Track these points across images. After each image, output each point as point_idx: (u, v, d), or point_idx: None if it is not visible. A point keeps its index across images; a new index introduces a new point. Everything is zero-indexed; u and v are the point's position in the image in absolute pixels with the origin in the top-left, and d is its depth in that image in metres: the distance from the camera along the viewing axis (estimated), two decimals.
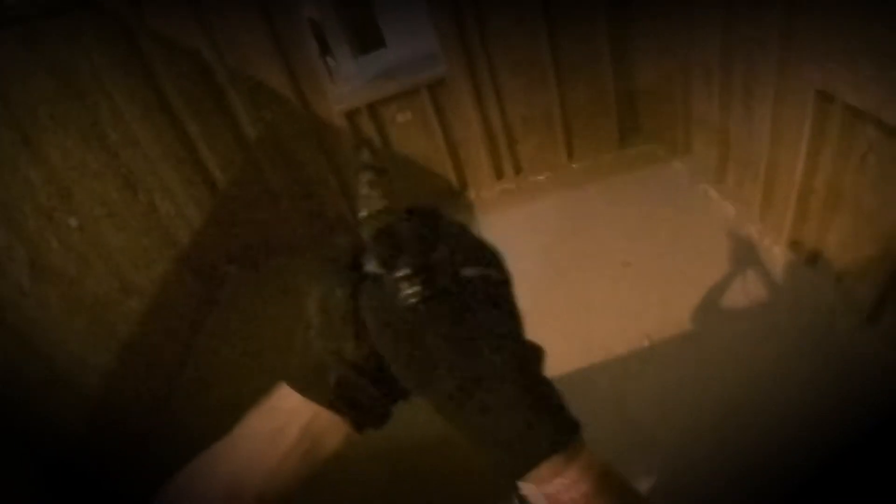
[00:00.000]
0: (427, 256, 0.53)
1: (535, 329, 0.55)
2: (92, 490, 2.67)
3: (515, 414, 0.51)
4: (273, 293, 4.39)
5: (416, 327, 0.51)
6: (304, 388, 0.58)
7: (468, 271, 0.54)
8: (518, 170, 4.90)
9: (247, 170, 4.56)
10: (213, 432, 0.64)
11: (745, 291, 3.11)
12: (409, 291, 0.51)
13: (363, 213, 0.58)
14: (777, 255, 3.20)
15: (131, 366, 3.30)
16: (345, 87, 4.78)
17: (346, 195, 4.78)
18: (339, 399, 0.57)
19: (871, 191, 2.46)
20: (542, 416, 0.51)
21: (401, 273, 0.51)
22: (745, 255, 3.32)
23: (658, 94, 4.34)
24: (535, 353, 0.56)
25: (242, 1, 3.87)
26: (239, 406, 0.64)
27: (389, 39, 5.88)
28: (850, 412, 2.30)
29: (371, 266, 0.54)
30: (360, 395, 0.58)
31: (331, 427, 0.59)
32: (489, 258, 0.57)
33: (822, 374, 2.53)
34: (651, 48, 4.16)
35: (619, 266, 3.56)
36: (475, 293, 0.53)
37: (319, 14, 5.07)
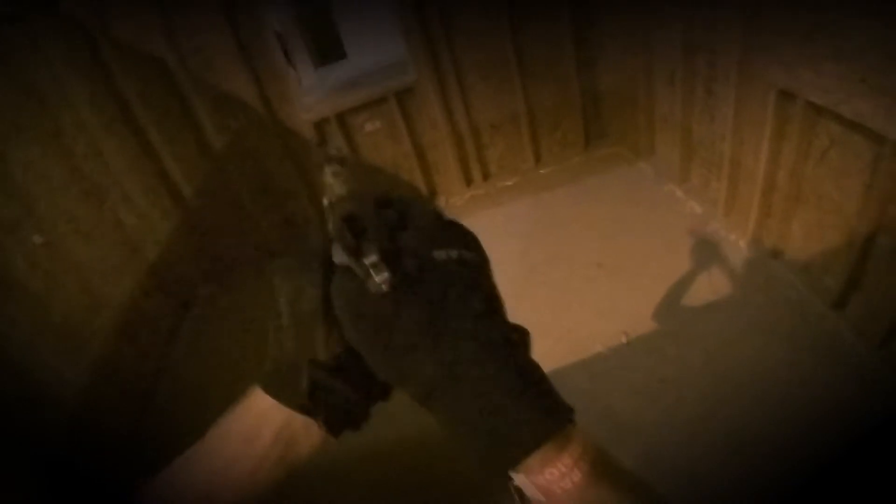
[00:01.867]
0: (394, 241, 0.51)
1: None
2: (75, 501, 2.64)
3: (499, 402, 0.48)
4: (245, 301, 4.34)
5: (389, 315, 0.49)
6: (276, 392, 0.56)
7: (440, 254, 0.52)
8: (486, 175, 4.94)
9: (213, 179, 4.50)
10: (193, 440, 0.62)
11: (716, 286, 3.19)
12: (378, 278, 0.48)
13: (327, 202, 0.56)
14: (743, 249, 3.31)
15: (107, 380, 3.25)
16: (309, 97, 4.76)
17: (316, 203, 4.77)
18: (312, 402, 0.55)
19: (832, 184, 2.56)
20: (528, 403, 0.49)
21: (368, 260, 0.49)
22: (713, 252, 3.40)
23: (621, 97, 4.43)
24: (519, 336, 0.54)
25: (207, 8, 3.83)
26: (217, 413, 0.62)
27: (350, 51, 5.86)
28: (825, 396, 2.40)
29: (339, 256, 0.52)
30: (334, 397, 0.56)
31: (305, 430, 0.57)
32: (463, 240, 0.55)
33: (795, 360, 2.63)
34: (614, 51, 4.26)
35: (592, 266, 3.62)
36: (449, 276, 0.51)
37: (281, 26, 5.05)
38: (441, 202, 4.95)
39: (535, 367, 0.53)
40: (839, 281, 2.61)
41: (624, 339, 3.02)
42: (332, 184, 0.57)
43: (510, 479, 0.50)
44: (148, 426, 3.38)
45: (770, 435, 2.32)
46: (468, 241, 0.56)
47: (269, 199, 4.74)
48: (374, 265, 0.48)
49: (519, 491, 0.50)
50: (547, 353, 3.07)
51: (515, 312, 0.57)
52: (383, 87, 4.43)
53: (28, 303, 2.97)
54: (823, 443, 2.18)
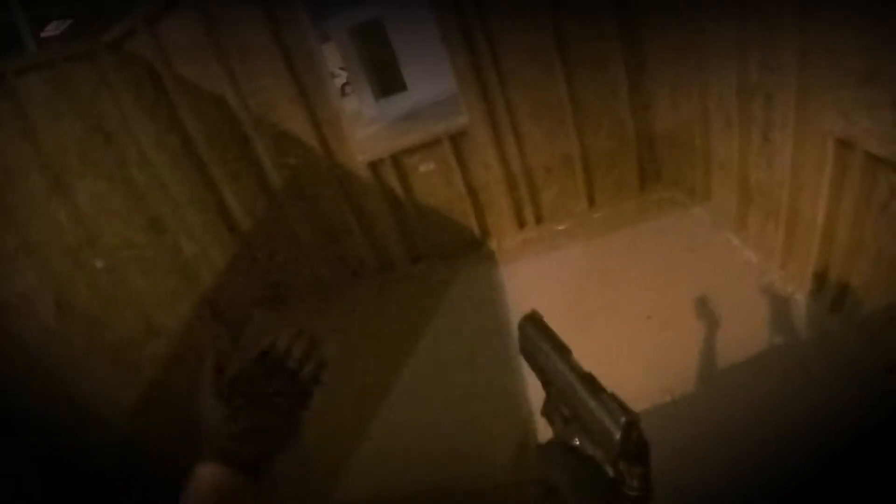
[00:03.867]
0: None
1: None
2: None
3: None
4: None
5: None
6: (209, 456, 0.84)
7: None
8: (539, 219, 4.90)
9: (270, 214, 4.64)
10: None
11: (769, 341, 3.05)
12: (627, 486, 0.67)
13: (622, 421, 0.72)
14: (800, 303, 3.14)
15: (157, 406, 3.32)
16: (367, 129, 4.86)
17: (370, 241, 4.84)
18: (230, 459, 0.84)
19: (893, 238, 2.43)
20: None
21: (631, 481, 0.68)
22: (768, 305, 3.25)
23: (677, 140, 4.34)
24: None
25: (266, 50, 4.00)
26: None
27: (410, 83, 5.97)
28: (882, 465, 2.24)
29: (588, 450, 0.73)
30: (240, 453, 0.85)
31: (243, 487, 0.83)
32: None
33: (851, 427, 2.45)
34: (668, 94, 4.19)
35: (642, 318, 3.51)
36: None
37: (344, 60, 5.20)
38: (493, 244, 4.94)
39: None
40: None
41: (669, 398, 2.91)
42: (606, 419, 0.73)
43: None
44: (195, 454, 3.41)
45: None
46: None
47: (324, 237, 4.83)
48: (632, 477, 0.68)
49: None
50: None
51: None
52: (437, 130, 4.50)
53: (85, 326, 3.10)
54: None
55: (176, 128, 4.15)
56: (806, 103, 2.76)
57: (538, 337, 0.85)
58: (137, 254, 3.63)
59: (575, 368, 0.80)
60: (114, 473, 2.82)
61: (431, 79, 5.16)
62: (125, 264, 3.51)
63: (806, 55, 2.65)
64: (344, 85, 5.20)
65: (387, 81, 6.00)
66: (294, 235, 4.75)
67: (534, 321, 0.87)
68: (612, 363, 3.26)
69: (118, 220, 3.55)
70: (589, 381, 0.77)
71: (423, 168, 4.66)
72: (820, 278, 3.02)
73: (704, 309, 3.39)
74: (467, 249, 4.92)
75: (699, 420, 2.77)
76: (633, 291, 3.81)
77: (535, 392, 3.08)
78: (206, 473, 0.83)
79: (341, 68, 5.09)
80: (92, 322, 3.14)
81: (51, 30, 3.58)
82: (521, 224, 4.92)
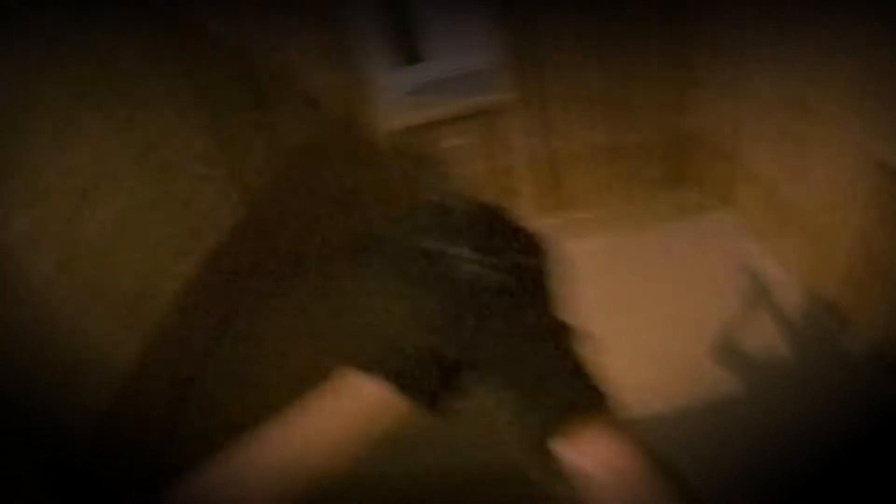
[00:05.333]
0: (486, 240, 0.61)
1: None
2: (109, 486, 2.65)
3: (549, 375, 0.58)
4: (304, 299, 4.38)
5: (467, 301, 0.58)
6: (371, 370, 0.62)
7: (520, 259, 0.63)
8: (561, 206, 4.81)
9: (283, 175, 4.55)
10: (235, 433, 0.64)
11: (781, 356, 3.03)
12: (466, 267, 0.58)
13: (432, 198, 0.67)
14: (820, 322, 3.10)
15: (155, 362, 3.28)
16: (389, 99, 4.73)
17: (384, 209, 4.73)
18: (401, 382, 0.62)
19: None
20: (573, 378, 0.59)
21: (457, 250, 0.59)
22: (783, 318, 3.21)
23: (706, 143, 4.23)
24: (569, 330, 0.65)
25: (291, 8, 3.86)
26: (262, 410, 0.66)
27: (430, 55, 5.76)
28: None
29: (432, 244, 0.61)
30: (421, 380, 0.62)
31: (388, 407, 0.62)
32: (535, 247, 0.68)
33: (854, 434, 2.41)
34: (703, 95, 4.07)
35: (652, 322, 3.47)
36: (523, 277, 0.62)
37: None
38: None
39: (579, 356, 0.63)
40: None
41: (681, 403, 2.87)
42: (435, 183, 0.82)
43: (548, 455, 0.56)
44: (189, 413, 3.41)
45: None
46: (540, 248, 0.69)
47: (337, 203, 4.74)
48: (466, 258, 0.59)
49: (556, 466, 0.56)
50: None
51: None
52: (463, 106, 4.37)
53: (86, 277, 3.01)
54: None
55: (190, 78, 3.98)
56: (848, 122, 2.65)
57: None
58: (141, 205, 3.52)
59: None
60: (102, 433, 2.78)
61: (454, 51, 4.97)
62: (128, 215, 3.41)
63: (855, 73, 2.53)
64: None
65: (407, 51, 5.82)
66: (306, 200, 4.66)
67: None
68: (622, 362, 3.20)
69: (123, 170, 3.43)
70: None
71: (445, 143, 4.54)
72: (842, 300, 2.97)
73: (718, 315, 3.35)
74: None
75: (713, 424, 2.77)
76: (648, 290, 3.76)
77: None
78: (357, 382, 0.62)
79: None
80: (93, 274, 3.06)
81: None
82: (542, 210, 4.82)
